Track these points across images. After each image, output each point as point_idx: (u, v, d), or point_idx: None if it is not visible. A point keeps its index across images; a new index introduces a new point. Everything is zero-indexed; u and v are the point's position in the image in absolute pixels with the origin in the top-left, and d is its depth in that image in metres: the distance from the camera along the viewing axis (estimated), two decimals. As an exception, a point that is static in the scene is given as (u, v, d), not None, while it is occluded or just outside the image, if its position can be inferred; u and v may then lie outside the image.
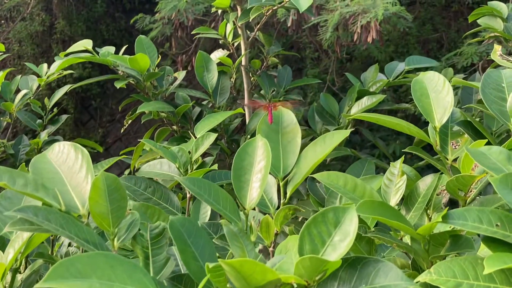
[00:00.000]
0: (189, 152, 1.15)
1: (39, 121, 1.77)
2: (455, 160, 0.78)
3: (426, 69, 1.72)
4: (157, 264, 0.63)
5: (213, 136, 1.14)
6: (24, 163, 1.61)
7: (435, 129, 0.77)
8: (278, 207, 0.73)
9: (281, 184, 0.73)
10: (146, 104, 1.47)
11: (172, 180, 1.17)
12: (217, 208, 0.68)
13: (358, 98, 1.54)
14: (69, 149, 0.69)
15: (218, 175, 1.17)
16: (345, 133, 0.72)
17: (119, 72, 1.56)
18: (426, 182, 0.75)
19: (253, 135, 1.56)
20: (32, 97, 1.78)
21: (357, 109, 1.51)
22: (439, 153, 0.78)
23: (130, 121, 1.58)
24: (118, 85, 1.54)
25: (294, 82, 1.66)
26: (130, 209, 0.67)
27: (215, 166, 1.10)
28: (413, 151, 0.78)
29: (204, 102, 1.62)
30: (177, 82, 1.58)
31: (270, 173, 0.71)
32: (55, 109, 1.79)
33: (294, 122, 0.77)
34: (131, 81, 1.57)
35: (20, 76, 1.84)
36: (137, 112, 1.48)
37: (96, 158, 4.27)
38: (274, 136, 0.77)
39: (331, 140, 0.73)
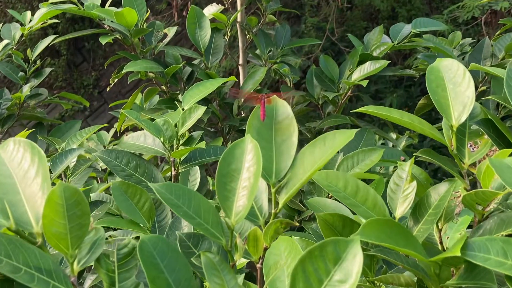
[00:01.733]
0: (176, 125, 1.04)
1: (21, 73, 1.64)
2: (472, 164, 0.67)
3: (433, 32, 1.60)
4: (124, 292, 0.53)
5: (202, 109, 1.02)
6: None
7: (452, 128, 0.66)
8: (270, 216, 0.63)
9: (272, 190, 0.62)
10: (132, 63, 1.35)
11: (156, 153, 1.06)
12: (197, 223, 0.57)
13: (360, 62, 1.42)
14: (26, 148, 0.57)
15: (207, 151, 1.06)
16: (349, 135, 0.61)
17: (105, 26, 1.43)
18: (439, 191, 0.64)
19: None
20: (15, 47, 1.65)
21: (359, 74, 1.39)
22: (454, 156, 0.66)
23: (116, 79, 1.46)
24: (103, 41, 1.41)
25: (292, 42, 1.53)
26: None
27: (203, 144, 0.99)
28: (425, 155, 0.67)
29: (196, 61, 1.49)
30: (167, 39, 1.45)
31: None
32: (38, 61, 1.66)
33: (290, 117, 0.66)
34: (118, 37, 1.44)
35: (1, 24, 1.70)
36: (122, 71, 1.35)
37: (90, 99, 4.14)
38: (266, 133, 0.65)
39: (333, 142, 0.61)
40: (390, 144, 1.83)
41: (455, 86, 0.68)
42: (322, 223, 0.67)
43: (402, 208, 0.66)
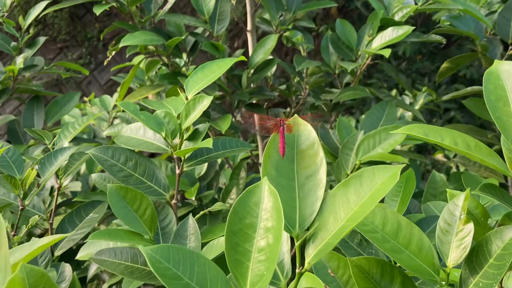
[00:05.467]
0: (178, 116, 0.89)
1: (13, 43, 1.48)
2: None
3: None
4: None
5: (208, 99, 0.87)
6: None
7: (517, 154, 0.51)
8: (293, 276, 0.49)
9: (296, 244, 0.48)
10: (130, 36, 1.19)
11: (157, 150, 0.92)
12: (202, 299, 0.44)
13: (381, 27, 1.26)
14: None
15: (215, 145, 0.92)
16: (393, 175, 0.47)
17: (100, -7, 1.27)
18: (502, 238, 0.50)
19: (257, 70, 1.29)
20: (6, 15, 1.49)
21: (380, 42, 1.22)
22: (520, 188, 0.52)
23: (113, 52, 1.30)
24: (97, 10, 1.24)
25: (306, 5, 1.36)
26: None
27: (210, 142, 0.84)
28: (484, 192, 0.52)
29: (199, 30, 1.33)
30: (168, 6, 1.28)
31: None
32: (31, 30, 1.50)
33: (316, 146, 0.51)
34: (114, 5, 1.27)
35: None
36: (119, 45, 1.20)
37: (94, 52, 3.97)
38: (287, 168, 0.51)
39: (371, 183, 0.47)
40: (409, 113, 1.69)
41: (522, 99, 0.53)
42: (356, 271, 0.53)
43: (456, 254, 0.52)
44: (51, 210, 0.94)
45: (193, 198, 1.12)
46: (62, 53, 3.77)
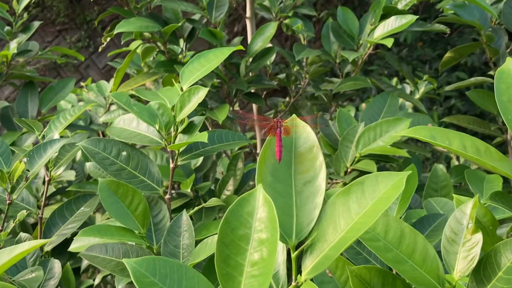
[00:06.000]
0: (173, 108, 0.85)
1: (7, 28, 1.43)
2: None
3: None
4: None
5: (204, 91, 0.83)
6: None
7: (531, 159, 0.48)
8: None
9: (292, 255, 0.45)
10: (125, 22, 1.14)
11: (151, 142, 0.88)
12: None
13: (384, 16, 1.21)
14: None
15: (210, 138, 0.88)
16: (398, 183, 0.43)
17: (94, -22, 1.22)
18: (514, 250, 0.47)
19: (255, 58, 1.25)
20: (-1, -2, 1.44)
21: (382, 31, 1.18)
22: (532, 197, 0.48)
23: (108, 38, 1.26)
24: (92, -4, 1.20)
25: (306, -9, 1.31)
26: None
27: (205, 136, 0.80)
28: (495, 202, 0.49)
29: (196, 16, 1.29)
30: (165, -9, 1.24)
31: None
32: (25, 15, 1.45)
33: (315, 149, 0.47)
34: (109, -11, 1.23)
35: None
36: (114, 32, 1.16)
37: (93, 35, 3.91)
38: (283, 173, 0.47)
39: (374, 191, 0.43)
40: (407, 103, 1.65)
41: (535, 101, 0.49)
42: (356, 281, 0.50)
43: (462, 265, 0.48)
44: (42, 201, 0.91)
45: (189, 190, 1.09)
46: (60, 36, 3.71)
